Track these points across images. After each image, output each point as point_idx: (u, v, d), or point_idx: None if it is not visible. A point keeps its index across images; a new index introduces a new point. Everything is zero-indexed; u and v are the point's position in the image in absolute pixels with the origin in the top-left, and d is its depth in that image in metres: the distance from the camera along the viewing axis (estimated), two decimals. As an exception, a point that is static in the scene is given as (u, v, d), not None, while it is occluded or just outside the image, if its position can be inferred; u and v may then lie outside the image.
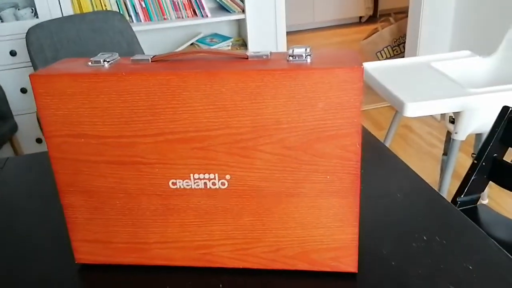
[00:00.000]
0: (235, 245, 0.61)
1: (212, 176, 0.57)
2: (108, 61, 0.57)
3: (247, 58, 0.56)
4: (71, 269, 0.64)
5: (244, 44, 2.42)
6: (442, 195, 1.31)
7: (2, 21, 2.13)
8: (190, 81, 0.53)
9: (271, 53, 0.57)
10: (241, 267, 0.62)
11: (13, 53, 2.10)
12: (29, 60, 1.87)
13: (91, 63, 0.57)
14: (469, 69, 1.37)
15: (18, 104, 2.17)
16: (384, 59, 3.15)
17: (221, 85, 0.53)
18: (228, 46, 2.36)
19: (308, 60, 0.53)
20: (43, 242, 0.70)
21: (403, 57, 2.89)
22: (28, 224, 0.75)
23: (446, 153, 1.51)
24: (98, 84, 0.55)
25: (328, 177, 0.55)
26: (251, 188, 0.57)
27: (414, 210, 0.73)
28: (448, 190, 1.32)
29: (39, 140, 2.27)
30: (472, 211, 1.02)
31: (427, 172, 2.09)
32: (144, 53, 2.10)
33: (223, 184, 0.57)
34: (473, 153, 1.54)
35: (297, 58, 0.53)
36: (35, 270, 0.65)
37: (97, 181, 0.60)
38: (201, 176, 0.57)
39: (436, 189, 1.59)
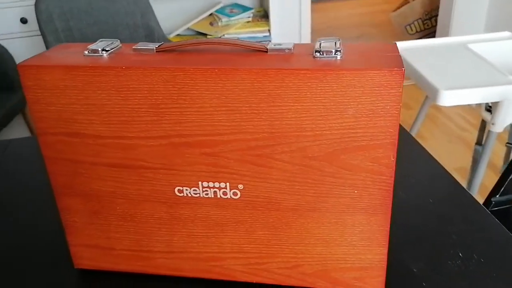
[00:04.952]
0: (248, 259, 0.55)
1: (223, 185, 0.50)
2: (107, 50, 0.50)
3: (267, 51, 0.48)
4: (70, 274, 0.59)
5: (266, 16, 2.30)
6: (474, 188, 1.23)
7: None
8: (199, 78, 0.46)
9: (294, 45, 0.48)
10: (254, 281, 0.56)
11: (23, 21, 2.03)
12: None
13: (88, 52, 0.50)
14: (509, 53, 1.25)
15: (32, 74, 2.12)
16: (414, 33, 2.99)
17: (234, 84, 0.45)
18: (249, 17, 2.25)
19: (338, 57, 0.45)
20: (40, 242, 0.65)
21: (435, 31, 2.74)
22: (25, 221, 0.70)
23: (479, 142, 1.41)
24: (94, 78, 0.48)
25: (355, 192, 0.48)
26: (267, 200, 0.50)
27: (448, 220, 0.65)
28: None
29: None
30: (507, 212, 0.94)
31: (457, 157, 1.99)
32: (159, 24, 2.01)
33: (235, 194, 0.51)
34: (507, 143, 1.43)
35: (325, 54, 0.45)
36: (30, 272, 0.60)
37: (96, 184, 0.54)
38: (211, 184, 0.51)
39: (466, 180, 1.50)
